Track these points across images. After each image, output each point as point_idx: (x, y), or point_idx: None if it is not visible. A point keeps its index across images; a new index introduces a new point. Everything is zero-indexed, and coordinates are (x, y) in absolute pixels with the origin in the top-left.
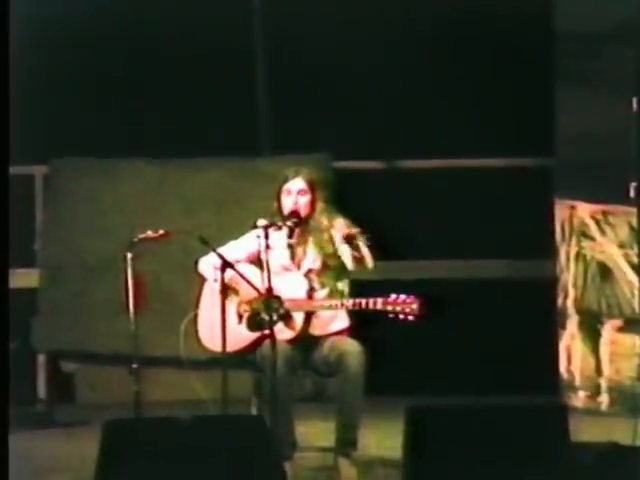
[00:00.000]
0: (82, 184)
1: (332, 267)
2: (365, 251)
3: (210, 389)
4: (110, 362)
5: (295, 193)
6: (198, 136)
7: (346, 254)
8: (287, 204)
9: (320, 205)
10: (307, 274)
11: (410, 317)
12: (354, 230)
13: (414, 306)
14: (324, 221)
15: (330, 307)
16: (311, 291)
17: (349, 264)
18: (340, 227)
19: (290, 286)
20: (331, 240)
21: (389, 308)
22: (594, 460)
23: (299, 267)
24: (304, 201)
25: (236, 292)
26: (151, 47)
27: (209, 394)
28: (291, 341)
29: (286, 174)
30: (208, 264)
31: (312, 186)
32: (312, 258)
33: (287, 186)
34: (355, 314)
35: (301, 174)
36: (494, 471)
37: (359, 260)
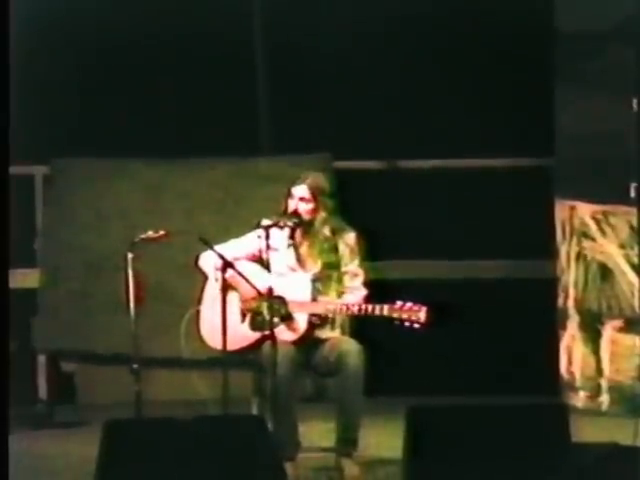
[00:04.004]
0: (82, 184)
1: (333, 277)
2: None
3: (211, 388)
4: (110, 362)
5: (297, 199)
6: (198, 136)
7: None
8: (290, 206)
9: (322, 215)
10: (314, 279)
11: (416, 325)
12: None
13: (421, 314)
14: (326, 232)
15: (335, 311)
16: (317, 294)
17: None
18: (347, 241)
19: (296, 288)
20: (333, 250)
21: (395, 315)
22: (594, 460)
23: (305, 269)
24: (305, 208)
25: (240, 291)
26: (151, 47)
27: (210, 393)
28: (294, 342)
29: (297, 176)
30: (209, 260)
31: (315, 195)
32: (318, 265)
33: (292, 190)
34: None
35: (306, 181)
36: (494, 471)
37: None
